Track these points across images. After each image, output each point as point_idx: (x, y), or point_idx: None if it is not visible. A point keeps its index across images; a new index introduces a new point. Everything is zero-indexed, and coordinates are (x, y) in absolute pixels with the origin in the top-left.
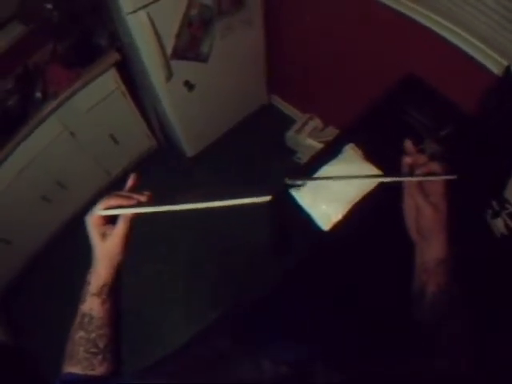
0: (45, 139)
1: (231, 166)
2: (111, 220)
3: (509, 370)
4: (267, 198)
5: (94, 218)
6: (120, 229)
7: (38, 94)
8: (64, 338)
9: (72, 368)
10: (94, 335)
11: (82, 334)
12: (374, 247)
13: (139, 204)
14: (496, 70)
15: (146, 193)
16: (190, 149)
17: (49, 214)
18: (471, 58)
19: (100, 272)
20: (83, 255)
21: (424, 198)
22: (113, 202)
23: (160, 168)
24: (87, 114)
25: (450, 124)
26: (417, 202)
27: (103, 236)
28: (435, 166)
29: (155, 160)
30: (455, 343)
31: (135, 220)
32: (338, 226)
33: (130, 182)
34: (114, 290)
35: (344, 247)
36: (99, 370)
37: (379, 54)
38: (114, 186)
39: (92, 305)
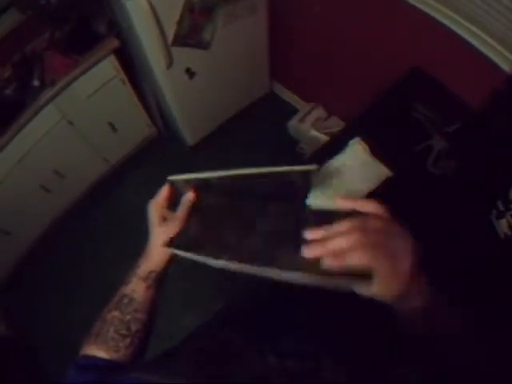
0: (43, 128)
1: (232, 155)
2: (172, 208)
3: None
4: (313, 167)
5: (157, 200)
6: (181, 213)
7: (36, 82)
8: (61, 328)
9: (95, 347)
10: (128, 317)
11: (116, 313)
12: None
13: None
14: (507, 67)
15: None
16: (190, 137)
17: (48, 204)
18: (482, 55)
19: (152, 257)
20: (82, 245)
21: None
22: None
23: (159, 156)
24: (86, 102)
25: (458, 120)
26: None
27: (163, 219)
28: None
29: (155, 148)
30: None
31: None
32: None
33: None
34: (162, 279)
35: None
36: (123, 353)
37: (387, 45)
38: (113, 175)
39: (136, 287)
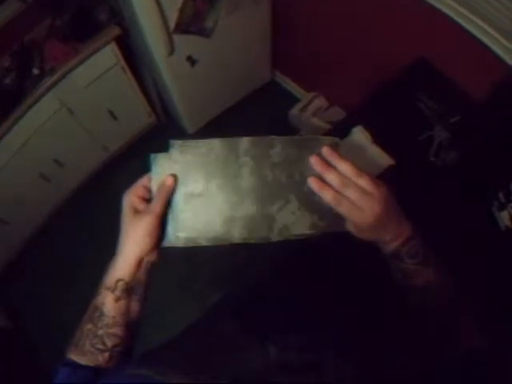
0: (42, 116)
1: None
2: (148, 200)
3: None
4: (336, 139)
5: (133, 188)
6: (155, 205)
7: (36, 71)
8: (62, 319)
9: (77, 357)
10: (101, 332)
11: (90, 326)
12: None
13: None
14: (509, 59)
15: None
16: (190, 126)
17: (47, 193)
18: (485, 47)
19: (119, 262)
20: (82, 234)
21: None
22: None
23: (159, 145)
24: (85, 90)
25: (460, 111)
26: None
27: (135, 211)
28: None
29: (155, 137)
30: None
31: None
32: None
33: None
34: (136, 289)
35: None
36: (104, 366)
37: (390, 35)
38: (112, 163)
39: (104, 299)
